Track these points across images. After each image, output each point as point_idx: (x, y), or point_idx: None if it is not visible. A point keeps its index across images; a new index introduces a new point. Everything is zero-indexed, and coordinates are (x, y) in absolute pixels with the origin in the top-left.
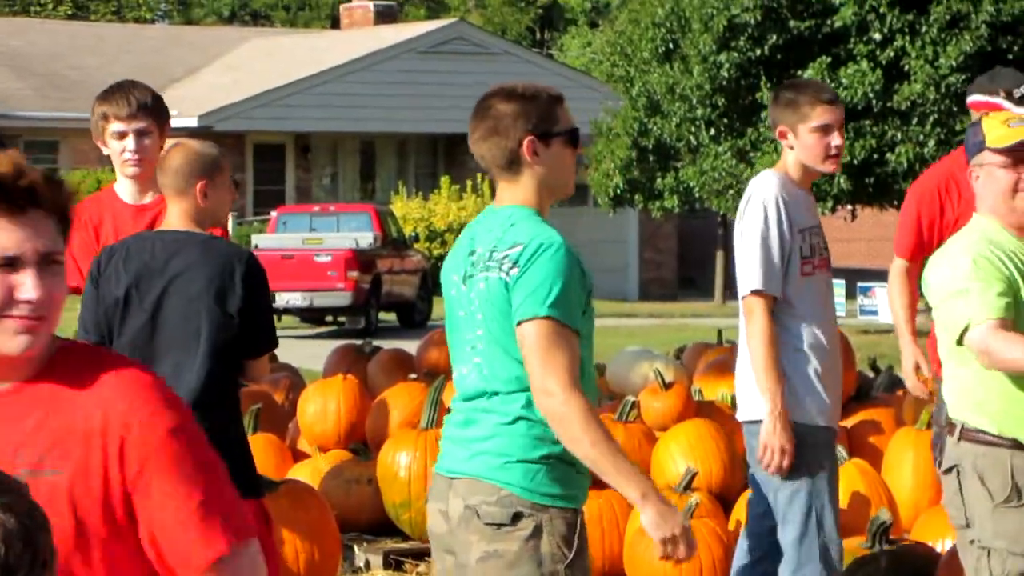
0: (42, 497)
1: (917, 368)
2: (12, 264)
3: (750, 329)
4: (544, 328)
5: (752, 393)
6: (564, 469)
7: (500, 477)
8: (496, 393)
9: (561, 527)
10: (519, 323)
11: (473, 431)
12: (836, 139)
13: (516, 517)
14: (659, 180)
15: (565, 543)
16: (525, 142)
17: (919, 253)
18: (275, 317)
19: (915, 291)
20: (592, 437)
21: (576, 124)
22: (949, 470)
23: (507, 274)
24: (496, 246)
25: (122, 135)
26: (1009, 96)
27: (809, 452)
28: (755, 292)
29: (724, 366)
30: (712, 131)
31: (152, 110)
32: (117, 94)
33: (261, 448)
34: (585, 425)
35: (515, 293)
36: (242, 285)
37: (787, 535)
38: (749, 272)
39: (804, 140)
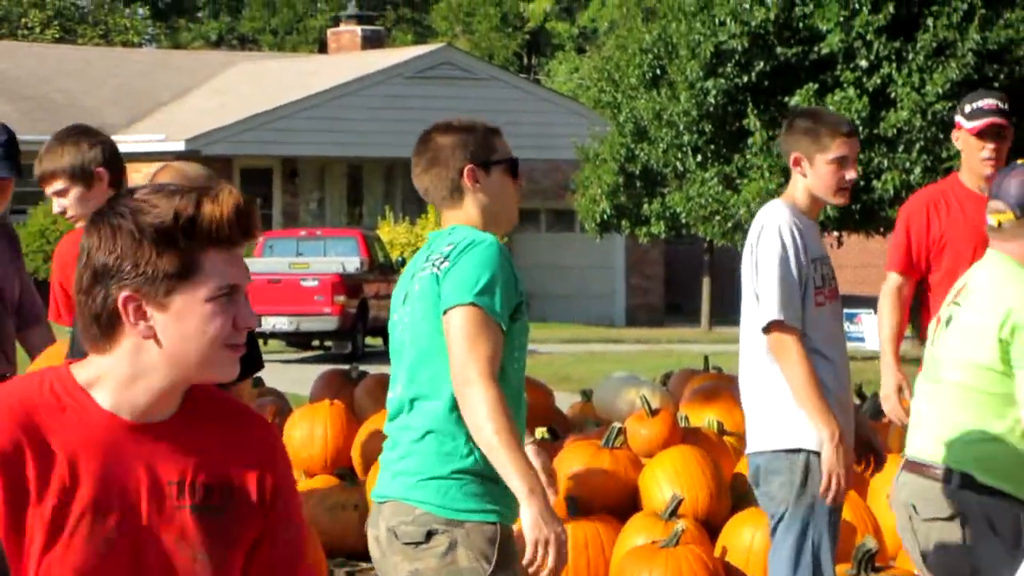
0: (197, 532)
1: (900, 391)
2: (232, 293)
3: (786, 362)
4: (469, 315)
5: (766, 423)
6: (481, 483)
7: (414, 496)
8: (412, 400)
9: (479, 542)
10: (445, 311)
11: (394, 452)
12: (851, 173)
13: (430, 535)
14: (646, 206)
15: (483, 557)
16: (465, 171)
17: (909, 268)
18: (261, 341)
19: (906, 313)
20: (494, 426)
21: (514, 155)
22: (951, 518)
23: (438, 268)
24: (432, 251)
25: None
26: (963, 113)
27: (814, 481)
28: (779, 323)
29: (710, 392)
30: (699, 157)
31: (59, 173)
32: (41, 155)
33: None
34: (490, 414)
35: (444, 284)
36: None
37: (779, 561)
38: (771, 303)
39: (819, 170)
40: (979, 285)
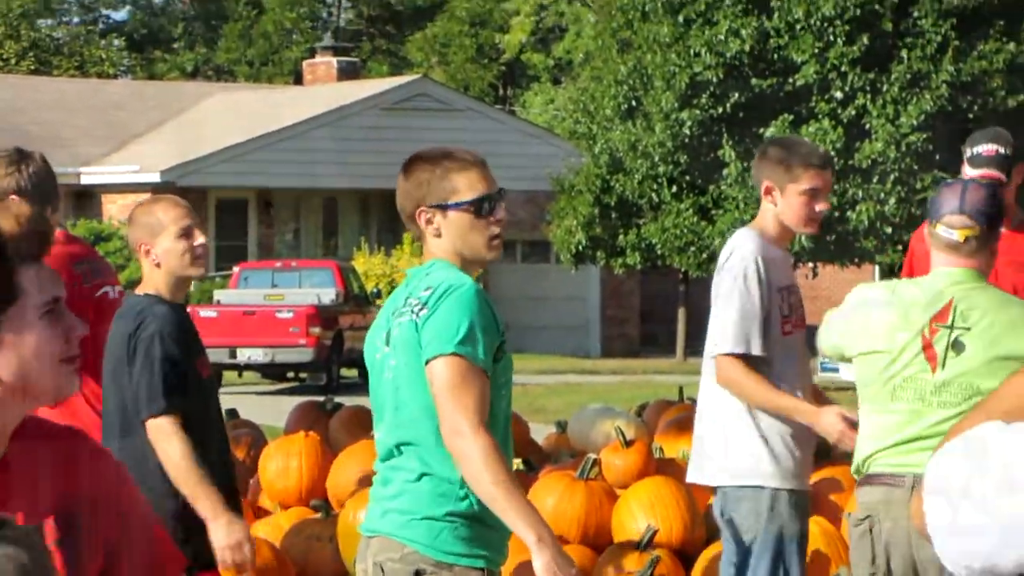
0: None
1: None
2: (56, 306)
3: (734, 390)
4: (452, 366)
5: (718, 456)
6: (472, 527)
7: (404, 534)
8: (404, 444)
9: None
10: (427, 361)
11: (387, 489)
12: (822, 204)
13: (417, 574)
14: (621, 237)
15: None
16: (417, 213)
17: None
18: (236, 373)
19: None
20: (492, 476)
21: (487, 191)
22: None
23: (417, 315)
24: (411, 293)
25: None
26: (966, 153)
27: (778, 516)
28: (726, 354)
29: (685, 423)
30: (674, 188)
31: None
32: None
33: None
34: (486, 463)
35: (424, 333)
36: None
37: None
38: (721, 332)
39: (790, 200)
40: (985, 308)
